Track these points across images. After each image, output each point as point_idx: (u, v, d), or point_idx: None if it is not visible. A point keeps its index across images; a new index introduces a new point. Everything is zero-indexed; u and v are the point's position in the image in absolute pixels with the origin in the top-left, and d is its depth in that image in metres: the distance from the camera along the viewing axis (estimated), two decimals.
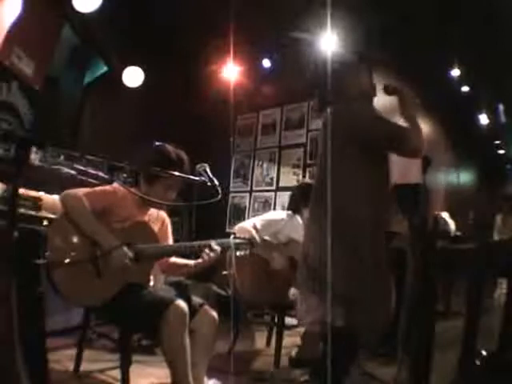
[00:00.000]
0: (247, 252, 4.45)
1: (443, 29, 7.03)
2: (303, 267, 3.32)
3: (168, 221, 4.21)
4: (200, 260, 3.87)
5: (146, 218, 3.93)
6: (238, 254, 4.37)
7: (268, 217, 5.70)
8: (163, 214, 4.19)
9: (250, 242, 4.26)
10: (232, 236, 4.21)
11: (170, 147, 3.94)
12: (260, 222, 5.43)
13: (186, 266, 4.07)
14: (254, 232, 5.20)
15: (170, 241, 4.16)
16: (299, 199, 5.54)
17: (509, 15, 6.52)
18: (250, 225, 5.37)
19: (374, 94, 3.51)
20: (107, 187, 3.88)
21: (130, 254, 3.50)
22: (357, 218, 3.05)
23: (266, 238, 5.13)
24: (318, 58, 3.59)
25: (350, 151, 3.12)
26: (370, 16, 6.75)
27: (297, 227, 5.32)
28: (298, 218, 5.51)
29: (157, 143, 4.01)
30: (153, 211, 4.07)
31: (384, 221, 3.18)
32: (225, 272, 4.90)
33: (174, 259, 4.10)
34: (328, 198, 2.96)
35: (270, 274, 5.21)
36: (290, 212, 5.62)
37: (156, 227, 3.93)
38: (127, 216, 3.75)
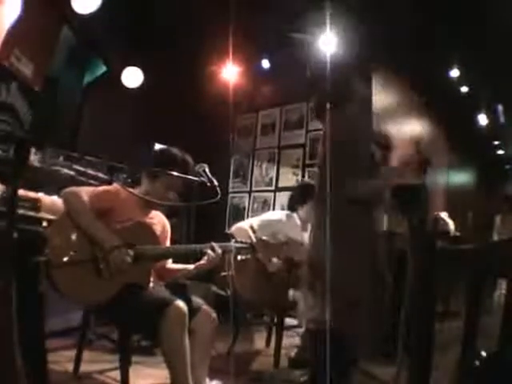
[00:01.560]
0: (248, 256, 4.46)
1: (442, 29, 7.03)
2: (306, 266, 3.36)
3: (168, 227, 4.22)
4: (202, 261, 3.88)
5: (148, 220, 3.94)
6: (239, 258, 4.38)
7: (266, 217, 5.71)
8: (164, 219, 4.20)
9: (251, 246, 4.26)
10: (233, 240, 4.21)
11: (176, 150, 3.96)
12: (257, 223, 5.44)
13: (183, 269, 4.07)
14: (250, 232, 5.20)
15: (168, 245, 4.16)
16: (297, 199, 5.56)
17: (508, 14, 6.52)
18: (247, 225, 5.38)
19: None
20: (110, 187, 3.90)
21: (131, 254, 3.50)
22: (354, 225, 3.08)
23: (264, 238, 5.13)
24: (316, 62, 3.60)
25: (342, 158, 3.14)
26: (369, 17, 6.76)
27: (295, 226, 5.35)
28: (296, 217, 5.52)
29: (161, 145, 4.03)
30: (155, 214, 4.08)
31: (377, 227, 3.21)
32: (224, 273, 4.90)
33: (170, 265, 4.11)
34: (328, 202, 2.97)
35: (269, 276, 5.21)
36: (288, 212, 5.64)
37: (157, 230, 3.93)
38: (129, 217, 3.75)
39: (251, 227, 5.35)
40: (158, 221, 4.09)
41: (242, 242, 4.21)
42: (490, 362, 3.09)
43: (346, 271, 2.99)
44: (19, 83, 5.71)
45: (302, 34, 7.59)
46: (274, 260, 5.26)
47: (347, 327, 2.96)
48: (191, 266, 4.00)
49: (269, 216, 5.80)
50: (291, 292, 5.33)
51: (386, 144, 3.46)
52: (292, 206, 5.64)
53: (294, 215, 5.56)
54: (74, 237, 3.50)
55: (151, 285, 3.72)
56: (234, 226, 5.63)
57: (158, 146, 4.05)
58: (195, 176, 3.77)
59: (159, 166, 3.82)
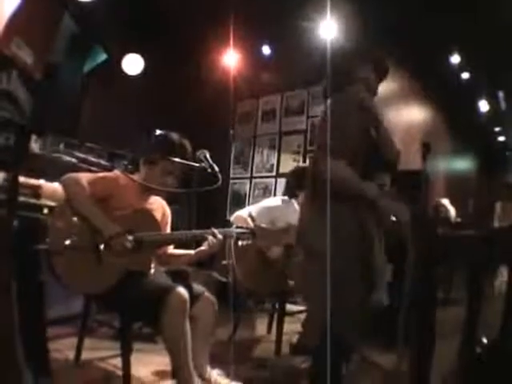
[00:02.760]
0: (249, 242, 4.46)
1: (443, 14, 7.02)
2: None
3: (169, 213, 4.20)
4: (202, 247, 3.88)
5: (148, 206, 3.93)
6: (239, 243, 4.38)
7: (264, 204, 5.70)
8: (164, 205, 4.19)
9: (252, 231, 4.26)
10: (234, 226, 4.22)
11: (174, 135, 3.93)
12: (256, 210, 5.44)
13: (185, 255, 4.08)
14: (249, 220, 5.20)
15: (168, 230, 4.15)
16: (294, 184, 5.55)
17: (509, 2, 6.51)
18: (245, 214, 5.37)
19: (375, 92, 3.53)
20: (109, 174, 3.89)
21: (130, 240, 3.50)
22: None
23: (263, 225, 5.13)
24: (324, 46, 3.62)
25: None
26: (369, 2, 6.74)
27: (293, 212, 5.33)
28: (295, 202, 5.51)
29: (159, 131, 4.01)
30: (154, 200, 4.06)
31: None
32: (224, 262, 4.91)
33: (171, 250, 4.11)
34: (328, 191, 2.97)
35: (270, 262, 5.21)
36: (285, 197, 5.63)
37: (157, 216, 3.93)
38: (129, 203, 3.74)
39: (250, 215, 5.35)
40: (158, 206, 4.08)
41: (242, 228, 4.22)
42: (491, 351, 3.10)
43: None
44: (20, 71, 5.70)
45: (303, 21, 7.58)
46: (274, 247, 5.26)
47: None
48: (192, 252, 4.00)
49: (267, 203, 5.78)
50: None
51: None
52: (291, 192, 5.63)
53: (293, 201, 5.55)
54: (74, 224, 3.49)
55: (152, 271, 3.72)
56: (233, 215, 5.62)
57: (156, 132, 4.02)
58: (195, 162, 3.77)
59: (157, 152, 3.81)
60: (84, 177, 3.63)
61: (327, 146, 3.06)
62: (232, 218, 5.43)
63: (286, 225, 5.31)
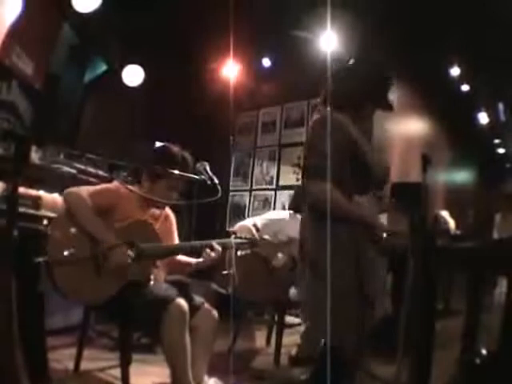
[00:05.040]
0: (248, 251, 4.45)
1: (443, 27, 7.03)
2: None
3: (173, 217, 4.20)
4: (201, 259, 3.89)
5: (148, 217, 3.93)
6: (239, 253, 4.36)
7: (269, 216, 5.71)
8: (168, 211, 4.18)
9: (251, 241, 4.26)
10: (233, 236, 4.22)
11: (175, 147, 3.94)
12: (261, 222, 5.44)
13: (188, 264, 4.07)
14: (254, 230, 5.21)
15: (175, 237, 4.17)
16: (300, 198, 5.55)
17: (508, 12, 6.52)
18: (250, 224, 5.38)
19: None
20: (109, 185, 3.88)
21: (130, 253, 3.50)
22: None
23: (266, 237, 5.12)
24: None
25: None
26: (369, 14, 6.75)
27: (297, 226, 5.33)
28: (299, 217, 5.51)
29: (160, 143, 4.01)
30: (155, 210, 4.06)
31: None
32: (224, 272, 4.90)
33: (178, 256, 4.09)
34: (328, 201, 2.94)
35: (271, 273, 5.21)
36: (291, 211, 5.63)
37: (158, 225, 3.93)
38: (129, 214, 3.74)
39: (255, 225, 5.36)
40: (159, 215, 4.07)
41: (241, 238, 4.22)
42: (490, 361, 3.09)
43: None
44: (20, 81, 5.71)
45: (303, 33, 7.60)
46: (279, 255, 5.26)
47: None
48: (194, 261, 4.01)
49: (273, 215, 5.80)
50: (293, 290, 5.33)
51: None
52: (296, 207, 5.62)
53: (297, 215, 5.54)
54: (74, 235, 3.49)
55: (152, 282, 3.72)
56: (237, 224, 5.63)
57: (156, 144, 4.02)
58: (195, 174, 3.76)
59: (159, 165, 3.80)
60: (85, 190, 3.64)
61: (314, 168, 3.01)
62: (236, 228, 5.43)
63: (287, 238, 5.30)
